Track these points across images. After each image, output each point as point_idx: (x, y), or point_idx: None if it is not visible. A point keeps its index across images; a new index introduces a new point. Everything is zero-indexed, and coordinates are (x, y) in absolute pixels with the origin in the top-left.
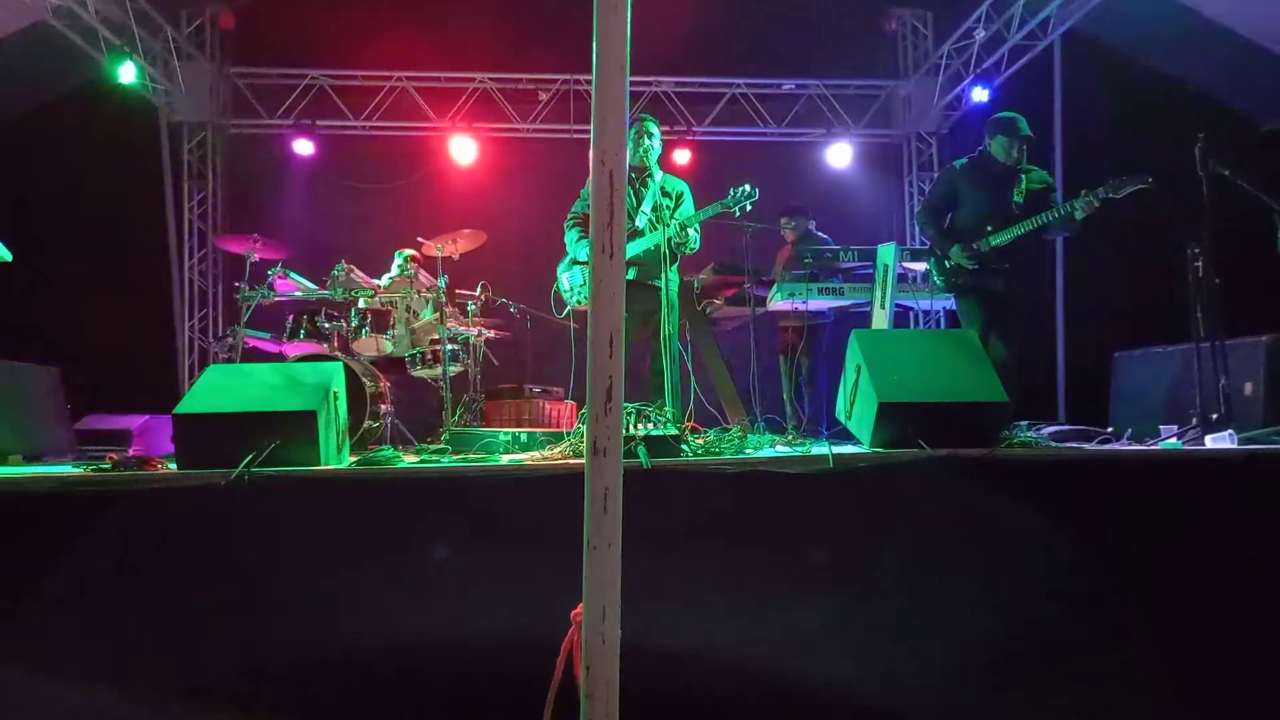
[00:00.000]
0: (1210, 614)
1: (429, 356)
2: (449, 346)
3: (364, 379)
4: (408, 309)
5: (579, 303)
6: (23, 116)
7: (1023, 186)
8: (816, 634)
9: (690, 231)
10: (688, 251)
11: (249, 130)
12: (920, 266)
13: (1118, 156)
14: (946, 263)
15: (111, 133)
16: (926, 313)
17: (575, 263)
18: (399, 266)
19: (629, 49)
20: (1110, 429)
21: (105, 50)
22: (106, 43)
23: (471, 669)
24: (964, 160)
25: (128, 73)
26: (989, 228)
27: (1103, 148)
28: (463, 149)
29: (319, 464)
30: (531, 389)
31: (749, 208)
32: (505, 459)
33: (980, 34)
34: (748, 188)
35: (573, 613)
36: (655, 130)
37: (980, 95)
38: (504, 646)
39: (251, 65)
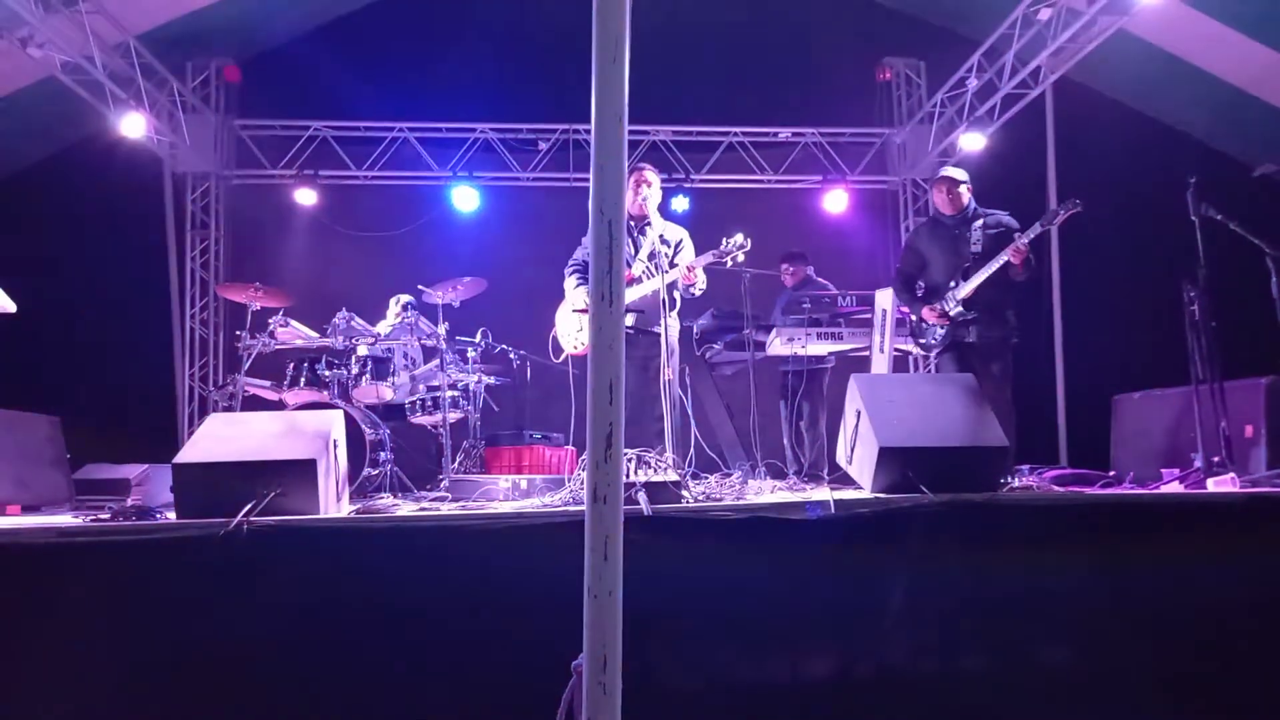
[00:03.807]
0: (1215, 657)
1: (429, 403)
2: (449, 393)
3: (364, 426)
4: (405, 355)
5: (576, 348)
6: (30, 168)
7: (979, 233)
8: (821, 681)
9: (698, 274)
10: (695, 294)
11: (252, 181)
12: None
13: (1110, 201)
14: (923, 325)
15: (116, 184)
16: (925, 358)
17: (574, 310)
18: (396, 314)
19: (626, 99)
20: (1111, 472)
21: (112, 103)
22: (113, 96)
23: (471, 719)
24: (921, 220)
25: (133, 125)
26: (952, 283)
27: (1095, 193)
28: (463, 198)
29: (318, 512)
30: (532, 435)
31: (741, 258)
32: (505, 506)
33: (973, 82)
34: (740, 237)
35: (573, 662)
36: (654, 178)
37: (974, 142)
38: (504, 696)
39: (255, 117)
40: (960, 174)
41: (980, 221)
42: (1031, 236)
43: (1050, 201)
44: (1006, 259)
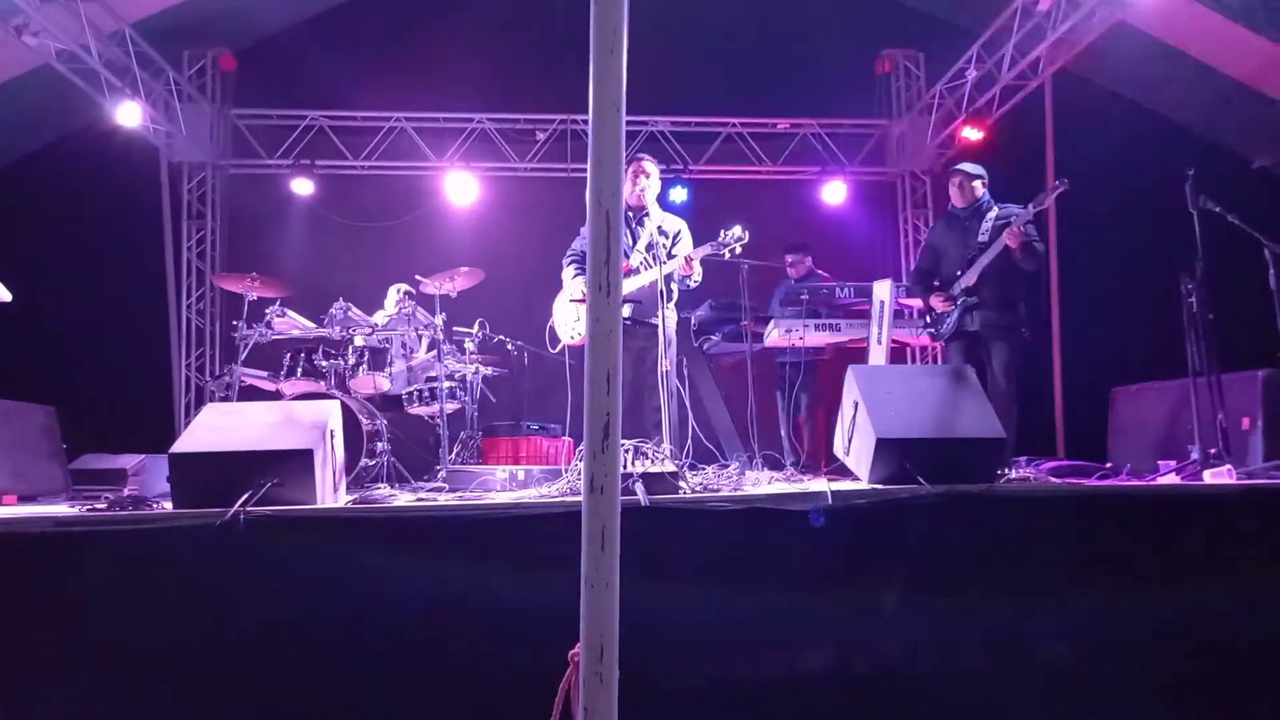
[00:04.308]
0: (1211, 650)
1: (426, 394)
2: (446, 384)
3: (361, 417)
4: (402, 346)
5: (573, 339)
6: (25, 157)
7: (989, 224)
8: (818, 672)
9: (696, 265)
10: (691, 285)
11: (248, 170)
12: (916, 303)
13: (1108, 193)
14: (933, 314)
15: (112, 173)
16: (924, 349)
17: (572, 300)
18: (393, 304)
19: (624, 89)
20: (1109, 464)
21: (108, 92)
22: (109, 85)
23: (468, 710)
24: (940, 218)
25: (129, 115)
26: (958, 272)
27: (1094, 185)
28: (460, 188)
29: (315, 503)
30: (529, 426)
31: (738, 250)
32: (502, 497)
33: (972, 74)
34: (738, 230)
35: (570, 652)
36: (652, 169)
37: (972, 134)
38: (501, 686)
39: (252, 107)
40: (973, 168)
41: (993, 213)
42: (1025, 220)
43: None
44: (1005, 245)
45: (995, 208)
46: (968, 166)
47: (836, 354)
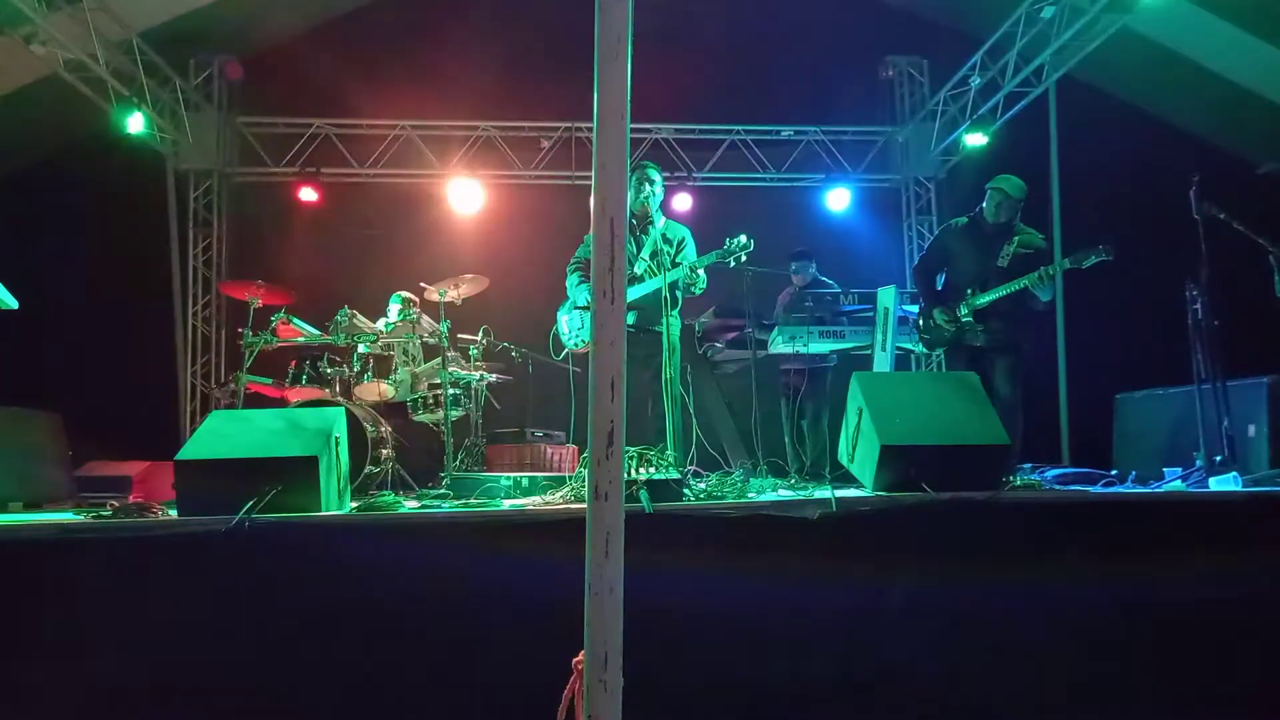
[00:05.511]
0: (1215, 656)
1: (431, 401)
2: (451, 391)
3: (365, 424)
4: (406, 353)
5: (576, 346)
6: (32, 165)
7: (1010, 249)
8: (822, 679)
9: (700, 273)
10: (696, 293)
11: (254, 178)
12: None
13: (1113, 199)
14: (931, 322)
15: (118, 181)
16: (927, 356)
17: (576, 308)
18: (399, 311)
19: (629, 97)
20: (1114, 471)
21: (114, 101)
22: (116, 94)
23: (472, 716)
24: (961, 220)
25: (136, 123)
26: (969, 290)
27: (1099, 191)
28: (465, 195)
29: (320, 510)
30: (533, 433)
31: (744, 258)
32: (507, 504)
33: (976, 81)
34: (743, 239)
35: (574, 659)
36: (656, 177)
37: (976, 141)
38: (505, 693)
39: (258, 115)
40: (1013, 189)
41: (1017, 239)
42: (1051, 274)
43: (1053, 201)
44: (1026, 285)
45: (1021, 233)
46: (1007, 185)
47: (841, 361)
